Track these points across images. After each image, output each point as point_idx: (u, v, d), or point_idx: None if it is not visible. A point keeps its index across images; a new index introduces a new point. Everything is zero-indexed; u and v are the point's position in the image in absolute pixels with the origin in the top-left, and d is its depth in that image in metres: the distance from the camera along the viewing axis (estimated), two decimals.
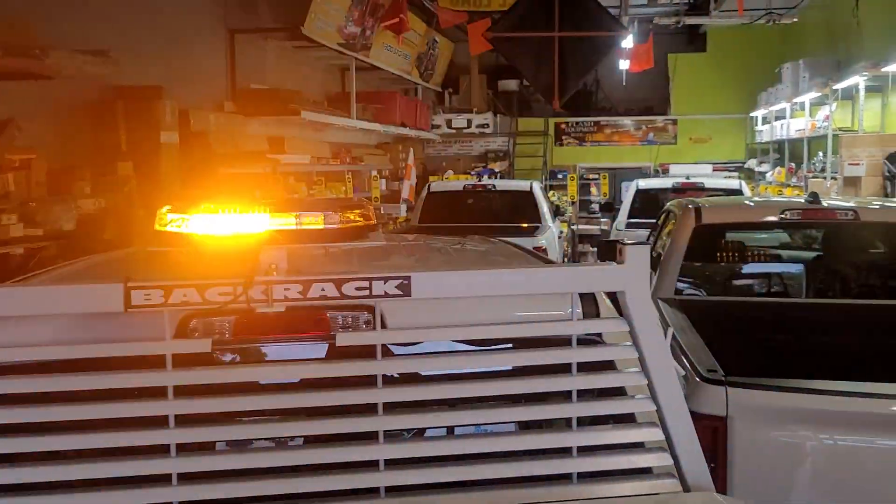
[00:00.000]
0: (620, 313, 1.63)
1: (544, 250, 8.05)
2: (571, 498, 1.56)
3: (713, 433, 2.59)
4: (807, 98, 12.24)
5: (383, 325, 1.62)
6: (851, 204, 4.61)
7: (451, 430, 1.69)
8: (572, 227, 12.77)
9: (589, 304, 1.77)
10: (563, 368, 1.62)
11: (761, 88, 15.28)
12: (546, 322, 1.63)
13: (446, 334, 1.63)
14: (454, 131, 16.20)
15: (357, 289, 1.50)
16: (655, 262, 4.93)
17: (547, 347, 1.62)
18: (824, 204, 4.50)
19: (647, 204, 9.81)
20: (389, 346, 1.62)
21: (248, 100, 7.95)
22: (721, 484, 2.57)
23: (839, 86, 10.67)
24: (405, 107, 12.52)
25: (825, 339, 4.10)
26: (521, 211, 9.26)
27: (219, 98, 7.89)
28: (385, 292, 1.51)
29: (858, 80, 9.98)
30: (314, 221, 1.57)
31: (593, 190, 15.97)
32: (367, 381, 1.56)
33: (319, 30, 8.45)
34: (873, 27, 10.93)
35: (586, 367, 1.63)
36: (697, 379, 2.71)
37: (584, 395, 1.63)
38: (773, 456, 2.58)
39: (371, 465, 1.54)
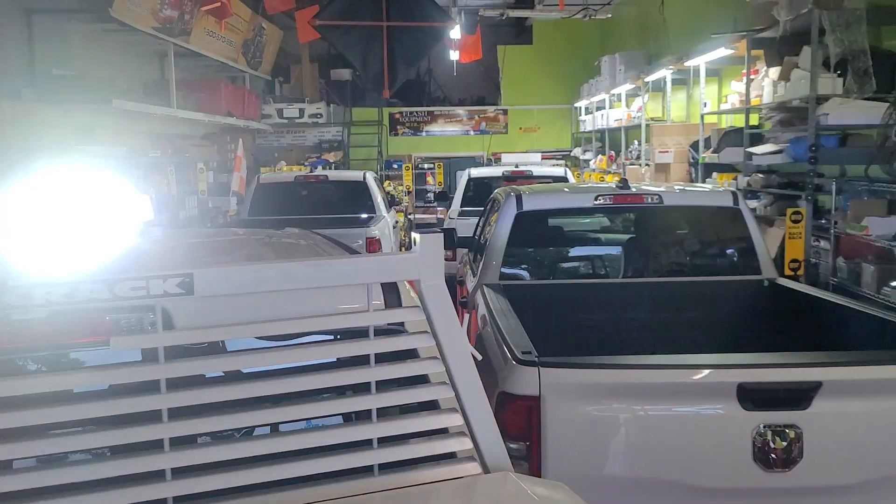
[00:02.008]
0: None
1: (378, 240, 8.03)
2: (374, 490, 1.54)
3: (528, 413, 2.65)
4: (623, 90, 13.00)
5: (171, 326, 1.52)
6: (657, 189, 4.92)
7: (275, 427, 1.62)
8: (409, 216, 12.87)
9: (392, 294, 1.75)
10: (365, 360, 1.59)
11: (584, 80, 16.07)
12: (342, 314, 1.59)
13: (237, 332, 1.55)
14: (286, 121, 15.82)
15: (132, 289, 1.39)
16: (483, 249, 5.04)
17: (354, 339, 1.59)
18: (633, 189, 4.78)
19: (480, 192, 10.08)
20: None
21: (49, 87, 7.31)
22: (536, 462, 2.64)
23: (650, 78, 11.41)
24: (232, 96, 12.05)
25: (636, 316, 4.36)
26: (354, 202, 9.22)
27: (15, 85, 7.20)
28: (165, 291, 1.41)
29: (666, 74, 10.72)
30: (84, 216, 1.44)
31: (429, 179, 16.21)
32: (152, 387, 1.45)
33: (131, 12, 7.90)
34: (677, 24, 11.78)
35: (388, 358, 1.61)
36: (513, 361, 2.77)
37: (387, 385, 1.61)
38: (584, 431, 2.68)
39: (157, 476, 1.44)
